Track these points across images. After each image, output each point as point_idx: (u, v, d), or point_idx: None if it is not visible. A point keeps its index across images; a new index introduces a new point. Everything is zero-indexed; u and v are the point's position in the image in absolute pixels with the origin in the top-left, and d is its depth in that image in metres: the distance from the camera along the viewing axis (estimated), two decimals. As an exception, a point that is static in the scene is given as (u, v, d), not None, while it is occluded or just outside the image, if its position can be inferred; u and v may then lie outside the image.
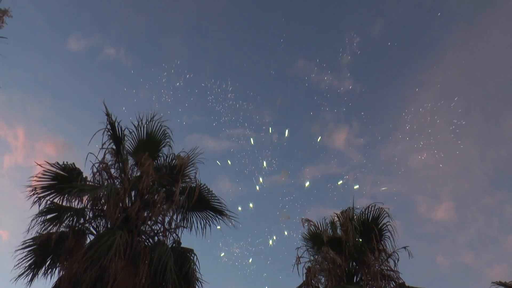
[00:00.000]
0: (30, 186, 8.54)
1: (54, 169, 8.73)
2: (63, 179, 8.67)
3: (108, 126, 9.13)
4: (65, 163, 8.80)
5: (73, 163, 8.85)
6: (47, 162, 8.69)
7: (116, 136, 9.27)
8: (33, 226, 8.27)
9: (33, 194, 8.47)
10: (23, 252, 8.33)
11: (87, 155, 8.68)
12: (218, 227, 9.56)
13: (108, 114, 9.07)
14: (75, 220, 8.45)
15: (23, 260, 8.33)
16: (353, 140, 28.19)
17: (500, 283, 10.82)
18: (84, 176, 8.81)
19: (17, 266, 8.25)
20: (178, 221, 9.30)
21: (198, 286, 8.53)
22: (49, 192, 8.64)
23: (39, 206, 8.41)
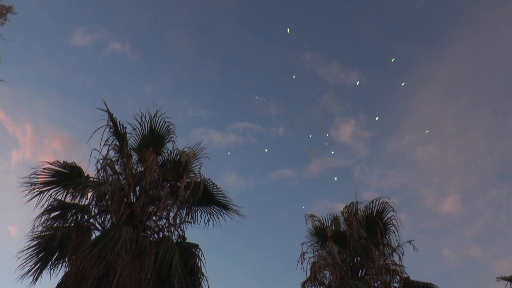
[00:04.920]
0: (28, 182, 8.44)
1: (54, 167, 8.67)
2: (64, 176, 8.64)
3: (110, 123, 9.14)
4: (65, 161, 8.77)
5: (74, 162, 8.83)
6: (47, 162, 8.64)
7: (118, 133, 9.28)
8: (38, 225, 8.31)
9: (32, 189, 8.39)
10: (28, 252, 8.39)
11: (91, 151, 8.69)
12: None
13: (108, 111, 9.09)
14: (79, 216, 8.51)
15: (28, 259, 8.37)
16: (359, 133, 28.09)
17: (505, 278, 10.81)
18: (86, 174, 8.80)
19: (21, 266, 8.31)
20: (183, 216, 9.34)
21: (203, 281, 8.59)
22: (50, 187, 8.56)
23: (39, 200, 8.34)
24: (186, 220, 9.42)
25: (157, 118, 9.68)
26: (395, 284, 9.67)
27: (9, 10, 8.21)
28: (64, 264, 8.61)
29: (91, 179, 8.81)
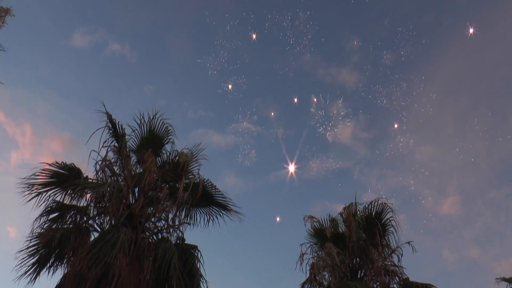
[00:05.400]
0: (27, 183, 8.44)
1: (53, 168, 8.68)
2: (63, 177, 8.65)
3: (109, 124, 9.16)
4: (64, 163, 8.78)
5: (73, 163, 8.84)
6: (46, 163, 8.65)
7: (117, 134, 9.29)
8: (37, 227, 8.31)
9: (31, 190, 8.39)
10: (26, 252, 8.35)
11: (90, 152, 8.69)
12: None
13: (107, 112, 9.09)
14: (78, 218, 8.50)
15: (26, 260, 8.34)
16: (359, 134, 28.09)
17: (504, 279, 10.80)
18: (85, 175, 8.79)
19: (19, 266, 8.25)
20: (182, 217, 9.33)
21: (202, 282, 8.59)
22: (49, 188, 8.57)
23: (37, 202, 8.36)
24: (185, 221, 9.42)
25: (156, 120, 9.71)
26: (394, 285, 9.67)
27: (7, 13, 8.15)
28: (62, 265, 8.60)
29: (90, 180, 8.81)
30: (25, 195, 8.41)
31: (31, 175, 8.48)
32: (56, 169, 8.70)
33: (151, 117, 9.67)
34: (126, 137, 9.40)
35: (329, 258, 10.00)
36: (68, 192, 8.31)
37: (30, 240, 8.40)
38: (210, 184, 9.38)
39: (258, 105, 28.37)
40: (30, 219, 8.29)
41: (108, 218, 8.68)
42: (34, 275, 8.48)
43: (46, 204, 8.43)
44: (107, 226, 8.60)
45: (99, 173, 8.86)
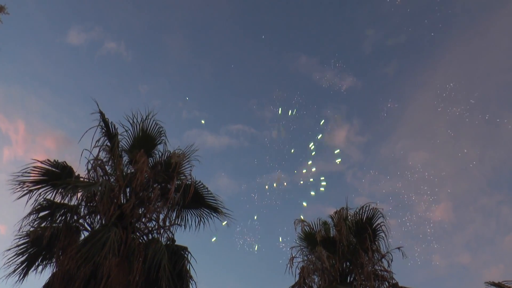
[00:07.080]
0: (17, 180, 8.40)
1: (45, 166, 8.63)
2: (55, 175, 8.60)
3: (102, 124, 9.13)
4: (56, 161, 8.74)
5: (65, 162, 8.79)
6: (37, 160, 8.60)
7: (109, 133, 9.26)
8: (26, 224, 8.24)
9: (22, 188, 8.35)
10: (15, 251, 8.28)
11: (82, 151, 8.65)
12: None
13: (100, 111, 9.07)
14: (68, 217, 8.46)
15: (14, 258, 8.27)
16: (353, 138, 28.21)
17: (493, 284, 10.83)
18: (77, 174, 8.76)
19: (7, 265, 8.18)
20: (173, 218, 9.32)
21: (191, 284, 8.58)
22: (40, 186, 8.52)
23: (28, 199, 8.30)
24: (176, 222, 9.41)
25: (149, 120, 9.69)
26: (384, 291, 9.71)
27: (1, 10, 8.08)
28: (51, 264, 8.55)
29: (82, 179, 8.77)
30: (16, 192, 8.38)
31: (22, 172, 8.45)
32: (47, 167, 8.66)
33: (144, 117, 9.66)
34: (119, 136, 9.37)
35: (319, 262, 10.03)
36: (59, 190, 8.28)
37: (19, 238, 8.36)
38: (201, 185, 9.39)
39: (252, 106, 28.41)
40: (21, 217, 8.24)
41: (98, 217, 8.65)
42: (23, 274, 8.43)
43: (37, 202, 8.39)
44: (98, 226, 8.57)
45: (90, 172, 8.83)
